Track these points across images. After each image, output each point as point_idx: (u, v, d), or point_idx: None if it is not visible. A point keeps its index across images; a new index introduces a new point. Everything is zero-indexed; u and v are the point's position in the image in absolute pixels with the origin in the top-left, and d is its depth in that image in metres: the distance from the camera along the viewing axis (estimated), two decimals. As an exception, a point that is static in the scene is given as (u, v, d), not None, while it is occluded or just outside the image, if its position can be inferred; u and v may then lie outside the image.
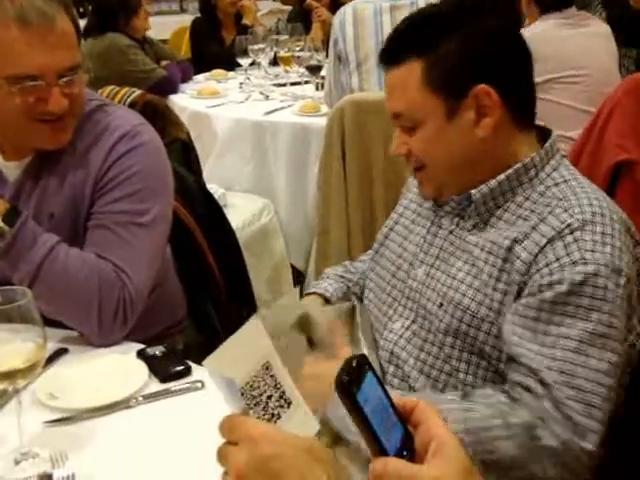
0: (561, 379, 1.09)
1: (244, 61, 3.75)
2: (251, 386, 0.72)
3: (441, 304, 1.25)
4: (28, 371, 1.05)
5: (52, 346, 1.35)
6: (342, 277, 1.57)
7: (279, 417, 0.74)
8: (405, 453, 0.68)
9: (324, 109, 3.18)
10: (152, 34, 4.13)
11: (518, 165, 1.24)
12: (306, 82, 3.67)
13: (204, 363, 0.70)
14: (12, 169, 1.53)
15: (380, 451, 0.67)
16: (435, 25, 1.26)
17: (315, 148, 3.07)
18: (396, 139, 1.30)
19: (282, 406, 0.75)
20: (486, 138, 1.23)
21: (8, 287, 1.09)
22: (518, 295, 1.17)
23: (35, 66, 1.37)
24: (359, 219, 2.80)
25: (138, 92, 2.54)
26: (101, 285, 1.41)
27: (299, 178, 3.15)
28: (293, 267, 3.14)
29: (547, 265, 1.14)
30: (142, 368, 1.31)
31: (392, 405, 0.70)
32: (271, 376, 0.74)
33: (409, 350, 1.30)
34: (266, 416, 0.74)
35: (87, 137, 1.51)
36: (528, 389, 1.12)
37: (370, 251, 1.61)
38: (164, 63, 3.90)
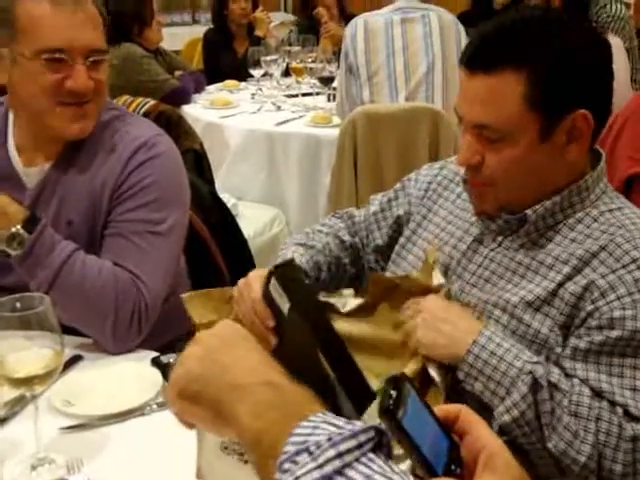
0: None
1: (256, 72, 3.77)
2: None
3: (478, 319, 1.22)
4: (46, 377, 1.06)
5: (67, 353, 1.35)
6: (304, 244, 1.45)
7: None
8: (453, 467, 0.66)
9: (335, 120, 3.20)
10: (165, 45, 4.16)
11: (573, 186, 1.21)
12: (318, 93, 3.69)
13: None
14: (31, 176, 1.55)
15: (429, 471, 0.65)
16: (542, 36, 1.17)
17: (326, 159, 3.09)
18: (468, 148, 1.20)
19: None
20: (571, 161, 1.19)
21: (27, 294, 1.10)
22: (571, 317, 1.15)
23: (64, 39, 1.42)
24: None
25: (152, 102, 2.56)
26: (117, 292, 1.42)
27: (310, 189, 3.17)
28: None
29: (618, 298, 1.12)
30: (156, 376, 1.32)
31: (434, 416, 0.69)
32: None
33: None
34: None
35: (105, 146, 1.53)
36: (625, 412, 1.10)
37: (331, 221, 1.55)
38: (177, 73, 3.92)
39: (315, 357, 0.90)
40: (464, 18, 4.28)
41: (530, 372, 1.11)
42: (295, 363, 0.93)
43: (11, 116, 1.58)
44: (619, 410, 1.10)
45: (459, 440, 0.69)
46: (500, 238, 1.27)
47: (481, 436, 0.69)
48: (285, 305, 1.01)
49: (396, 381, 0.68)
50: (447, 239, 1.34)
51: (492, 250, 1.27)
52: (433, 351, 1.18)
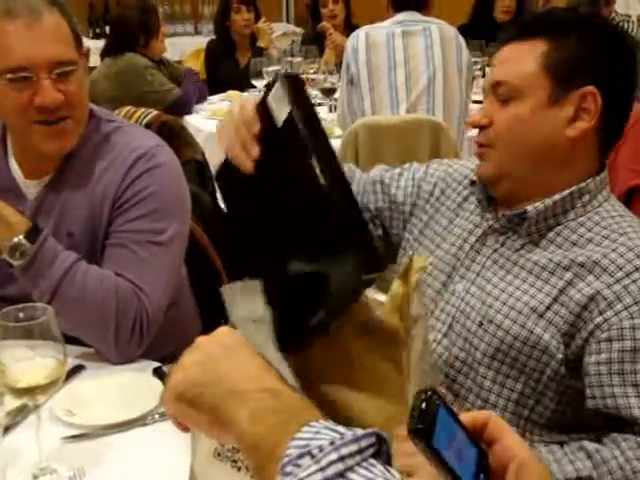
0: None
1: (258, 83, 3.78)
2: None
3: (481, 323, 1.24)
4: (48, 387, 1.07)
5: (69, 362, 1.36)
6: None
7: None
8: (482, 477, 0.66)
9: (337, 131, 3.21)
10: (167, 55, 4.18)
11: (574, 188, 1.24)
12: (319, 104, 3.70)
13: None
14: (32, 187, 1.56)
15: None
16: (570, 18, 1.30)
17: (328, 169, 3.09)
18: (482, 110, 1.29)
19: None
20: (571, 140, 1.23)
21: (30, 304, 1.11)
22: (575, 326, 1.16)
23: (23, 57, 1.40)
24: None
25: (154, 113, 2.56)
26: (118, 302, 1.43)
27: (311, 199, 3.17)
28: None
29: (626, 308, 1.13)
30: (158, 386, 1.32)
31: (462, 426, 0.68)
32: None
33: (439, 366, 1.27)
34: None
35: (106, 157, 1.54)
36: None
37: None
38: (183, 70, 3.93)
39: (308, 164, 0.87)
40: (465, 30, 4.32)
41: None
42: (284, 171, 0.91)
43: None
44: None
45: (487, 448, 0.69)
46: (502, 238, 1.29)
47: (511, 445, 0.68)
48: (284, 110, 0.94)
49: (424, 395, 0.67)
50: (453, 240, 1.36)
51: (495, 251, 1.29)
52: None
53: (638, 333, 1.12)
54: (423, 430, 0.64)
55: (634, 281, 1.14)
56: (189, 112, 3.76)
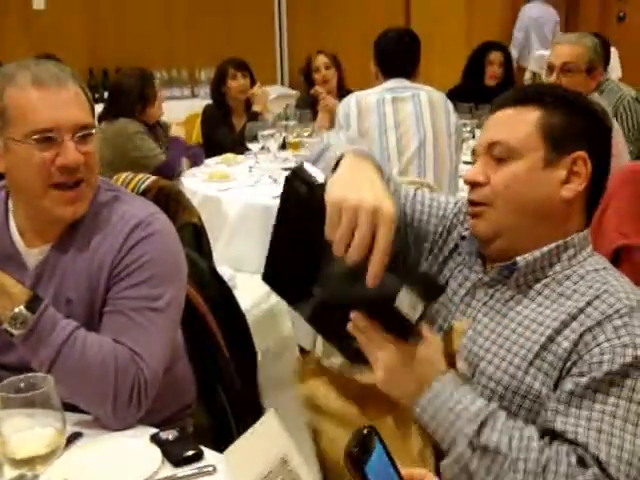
0: (611, 452, 1.12)
1: (254, 146, 3.86)
2: None
3: (473, 374, 1.27)
4: (48, 457, 1.09)
5: (67, 430, 1.38)
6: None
7: None
8: None
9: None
10: (164, 118, 4.25)
11: (560, 241, 1.29)
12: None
13: (225, 455, 0.73)
14: (32, 256, 1.59)
15: None
16: (563, 91, 1.39)
17: (322, 231, 3.13)
18: (477, 167, 1.33)
19: None
20: (566, 201, 1.29)
21: (30, 374, 1.14)
22: (560, 374, 1.20)
23: (49, 120, 1.48)
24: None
25: (152, 179, 2.61)
26: (117, 369, 1.45)
27: (307, 260, 3.20)
28: (300, 347, 3.16)
29: (598, 345, 1.18)
30: (155, 452, 1.34)
31: (399, 475, 0.72)
32: (289, 470, 0.76)
33: None
34: None
35: (103, 226, 1.58)
36: (578, 460, 1.13)
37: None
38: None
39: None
40: (456, 93, 4.43)
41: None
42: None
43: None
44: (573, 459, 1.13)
45: None
46: (491, 291, 1.33)
47: None
48: (412, 309, 1.11)
49: (366, 431, 0.71)
50: (447, 291, 1.39)
51: (484, 304, 1.32)
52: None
53: (604, 367, 1.16)
54: (358, 455, 0.68)
55: (611, 321, 1.20)
56: (172, 176, 3.70)
